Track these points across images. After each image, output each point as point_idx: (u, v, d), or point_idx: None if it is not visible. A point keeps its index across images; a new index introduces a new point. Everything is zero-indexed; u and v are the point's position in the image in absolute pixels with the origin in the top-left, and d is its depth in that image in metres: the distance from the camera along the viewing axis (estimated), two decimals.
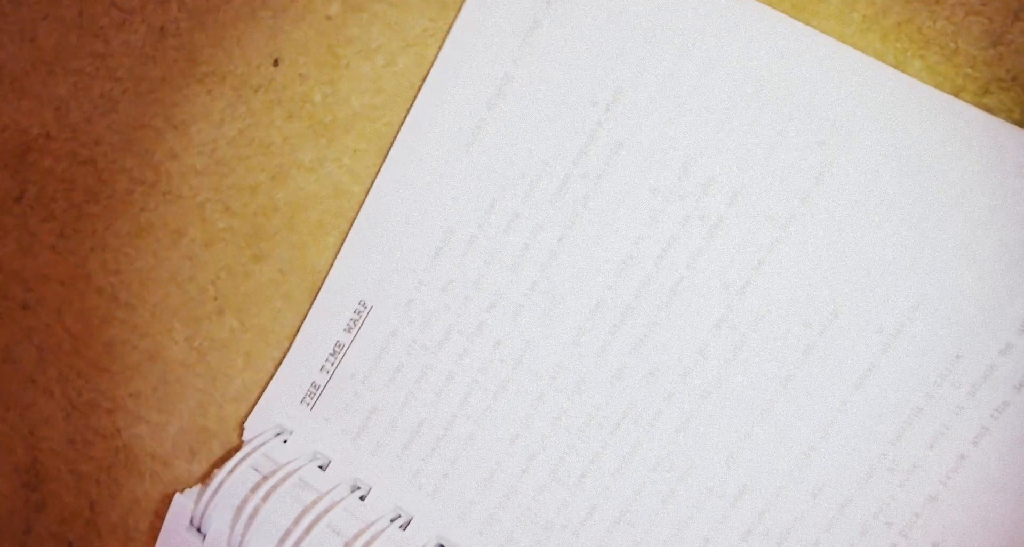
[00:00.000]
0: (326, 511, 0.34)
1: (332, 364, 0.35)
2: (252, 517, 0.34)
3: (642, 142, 0.31)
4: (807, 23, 0.30)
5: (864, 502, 0.29)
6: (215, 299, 0.38)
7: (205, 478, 0.38)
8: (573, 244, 0.32)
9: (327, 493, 0.35)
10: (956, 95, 0.28)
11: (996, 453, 0.28)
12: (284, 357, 0.37)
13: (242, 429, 0.37)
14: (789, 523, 0.30)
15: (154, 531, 0.40)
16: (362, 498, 0.35)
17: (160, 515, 0.40)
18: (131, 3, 0.39)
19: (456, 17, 0.33)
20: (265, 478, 0.35)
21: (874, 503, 0.29)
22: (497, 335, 0.33)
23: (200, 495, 0.35)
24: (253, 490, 0.35)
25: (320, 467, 0.36)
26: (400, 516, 0.35)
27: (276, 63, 0.36)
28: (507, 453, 0.33)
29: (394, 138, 0.35)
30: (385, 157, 0.35)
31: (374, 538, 0.33)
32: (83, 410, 0.41)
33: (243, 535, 0.34)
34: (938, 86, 0.29)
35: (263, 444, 0.35)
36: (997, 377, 0.28)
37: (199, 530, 0.35)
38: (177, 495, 0.36)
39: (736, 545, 0.31)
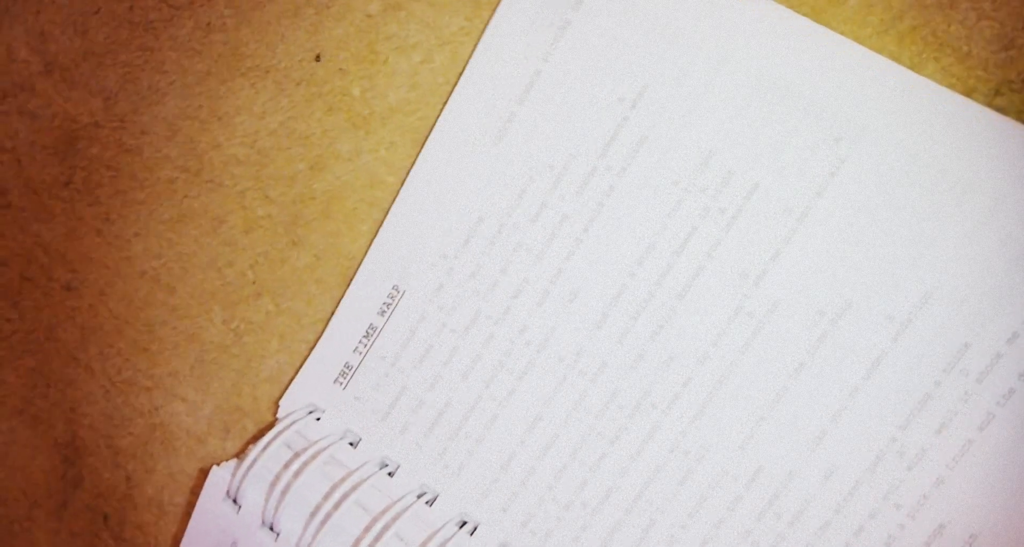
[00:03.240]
0: (355, 487, 0.36)
1: (365, 346, 0.37)
2: (285, 492, 0.36)
3: (665, 137, 0.32)
4: (826, 25, 0.31)
5: (873, 485, 0.31)
6: (253, 283, 0.40)
7: (240, 453, 0.40)
8: (597, 234, 0.33)
9: (356, 470, 0.36)
10: (968, 96, 0.30)
11: (1002, 439, 0.29)
12: (318, 339, 0.38)
13: (277, 407, 0.39)
14: (800, 505, 0.31)
15: (188, 505, 0.42)
16: (390, 475, 0.36)
17: (195, 490, 0.41)
18: (180, 0, 0.41)
19: (491, 16, 0.35)
20: (297, 455, 0.36)
21: (883, 486, 0.30)
22: (522, 320, 0.35)
23: (236, 469, 0.37)
24: (286, 466, 0.36)
25: (351, 444, 0.37)
26: (426, 493, 0.36)
27: (318, 58, 0.38)
28: (529, 434, 0.35)
29: (429, 131, 0.36)
30: (420, 149, 0.36)
31: (401, 513, 0.35)
32: (122, 388, 0.43)
33: (276, 508, 0.36)
34: (951, 87, 0.30)
35: (297, 421, 0.37)
36: (1003, 365, 0.29)
37: (235, 501, 0.37)
38: (215, 467, 0.37)
39: (749, 525, 0.32)
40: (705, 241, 0.32)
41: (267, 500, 0.36)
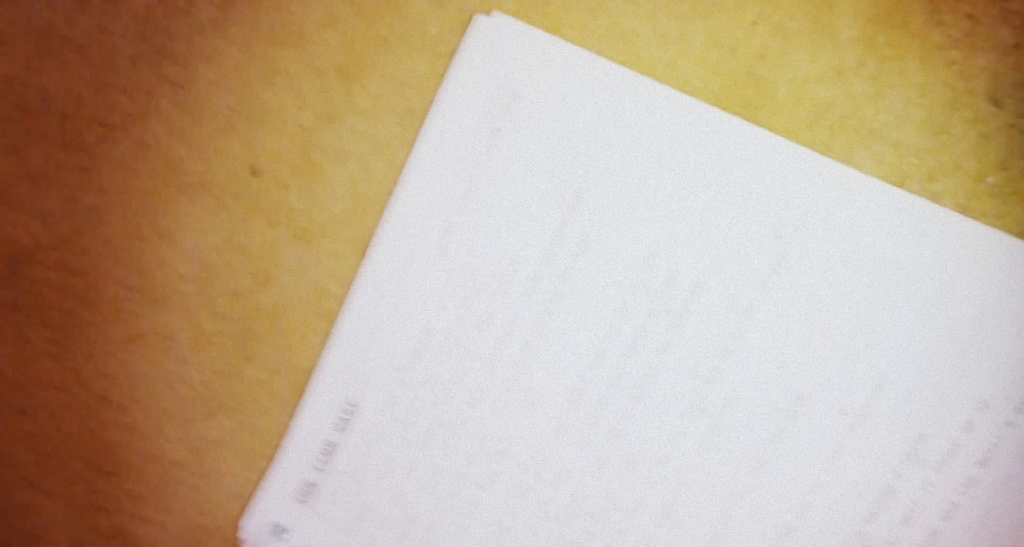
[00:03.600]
0: None
1: (323, 462, 0.36)
2: None
3: (605, 239, 0.32)
4: (755, 120, 0.31)
5: None
6: (207, 400, 0.39)
7: None
8: (547, 339, 0.33)
9: None
10: (902, 183, 0.30)
11: (967, 527, 0.29)
12: (276, 456, 0.38)
13: (237, 528, 0.38)
14: None
15: None
16: None
17: None
18: (113, 118, 0.40)
19: (421, 125, 0.34)
20: None
21: None
22: (481, 429, 0.34)
23: None
24: None
25: None
26: None
27: (254, 172, 0.38)
28: (495, 545, 0.34)
29: (370, 241, 0.36)
30: (363, 259, 0.36)
31: None
32: (84, 512, 0.42)
33: None
34: (884, 175, 0.30)
35: (259, 544, 0.36)
36: (962, 454, 0.29)
37: None
38: None
39: None
40: (654, 341, 0.32)
41: None
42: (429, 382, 0.35)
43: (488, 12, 0.33)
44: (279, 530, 0.37)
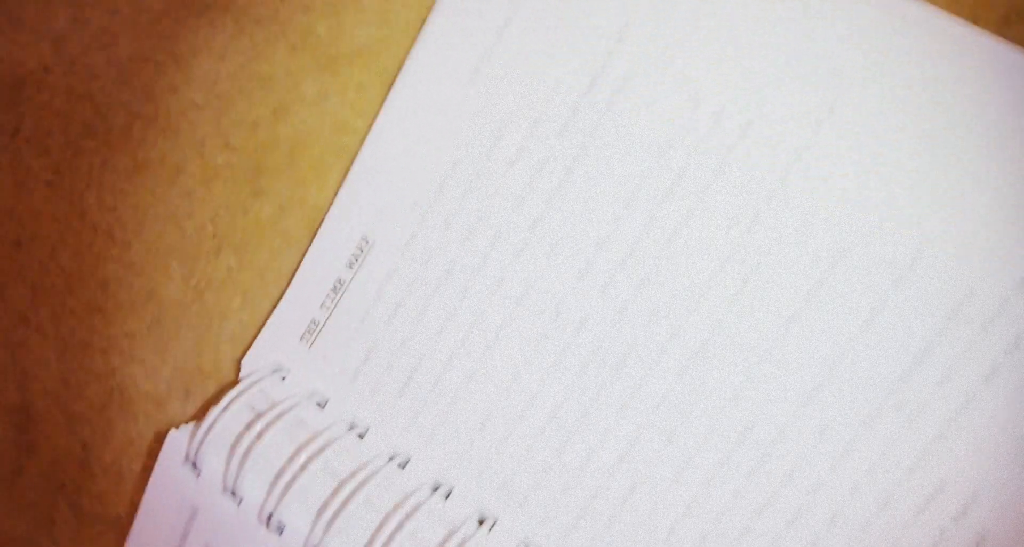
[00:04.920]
0: (321, 449, 0.33)
1: (332, 301, 0.35)
2: (246, 455, 0.34)
3: (653, 73, 0.30)
4: None
5: (870, 441, 0.29)
6: (213, 237, 0.38)
7: (200, 416, 0.37)
8: (579, 178, 0.31)
9: (323, 431, 0.34)
10: (975, 25, 0.28)
11: (1006, 392, 0.27)
12: (282, 295, 0.36)
13: (239, 367, 0.37)
14: (793, 464, 0.30)
15: (147, 472, 0.39)
16: (360, 437, 0.34)
17: (153, 456, 0.39)
18: None
19: None
20: (260, 415, 0.34)
21: (880, 442, 0.29)
22: (499, 272, 0.32)
23: (195, 431, 0.35)
24: (248, 427, 0.34)
25: (318, 405, 0.35)
26: (398, 456, 0.34)
27: None
28: (507, 393, 0.33)
29: (399, 71, 0.34)
30: (389, 90, 0.34)
31: (371, 476, 0.33)
32: (76, 350, 0.41)
33: (238, 472, 0.34)
34: (956, 15, 0.28)
35: (259, 380, 0.35)
36: (1010, 312, 0.27)
37: (194, 466, 0.35)
38: (172, 431, 0.35)
39: (739, 486, 0.30)
40: (695, 183, 0.30)
41: (228, 464, 0.34)
42: (451, 220, 0.33)
43: None
44: (282, 370, 0.36)
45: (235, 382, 0.37)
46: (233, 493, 0.34)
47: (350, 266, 0.34)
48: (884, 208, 0.28)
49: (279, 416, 0.34)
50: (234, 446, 0.34)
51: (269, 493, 0.33)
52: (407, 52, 0.34)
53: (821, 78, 0.28)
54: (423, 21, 0.33)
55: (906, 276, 0.28)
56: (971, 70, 0.27)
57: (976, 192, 0.27)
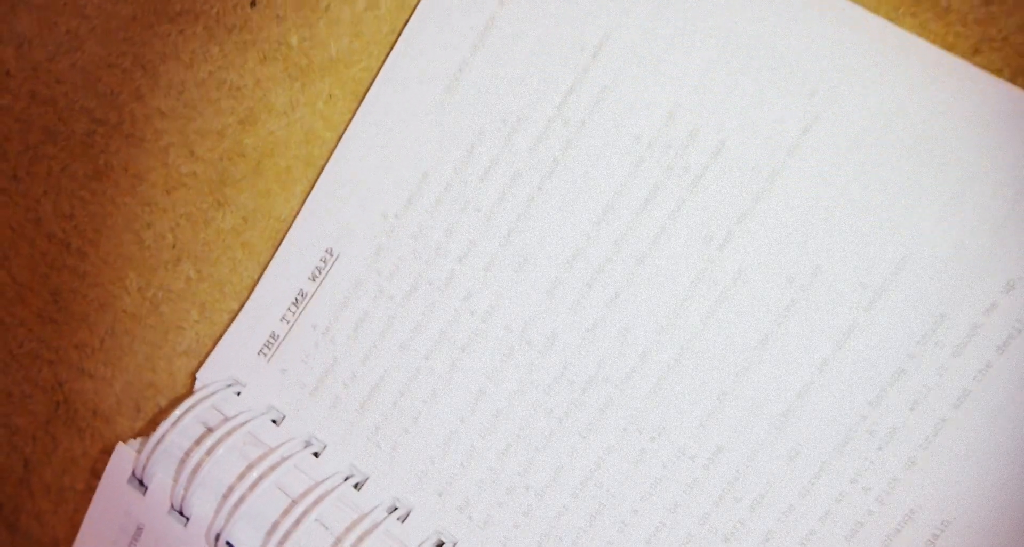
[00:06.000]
0: (273, 467, 0.32)
1: (294, 314, 0.34)
2: (195, 471, 0.32)
3: (627, 90, 0.30)
4: None
5: (841, 466, 0.28)
6: (173, 247, 0.37)
7: (149, 429, 0.36)
8: (551, 193, 0.31)
9: (277, 448, 0.33)
10: (949, 51, 0.28)
11: (977, 417, 0.27)
12: (242, 308, 0.35)
13: (193, 380, 0.35)
14: (763, 488, 0.29)
15: (90, 491, 0.38)
16: (316, 455, 0.33)
17: (98, 475, 0.37)
18: None
19: None
20: (211, 430, 0.33)
21: (851, 468, 0.28)
22: (467, 286, 0.32)
23: (143, 446, 0.33)
24: (198, 443, 0.33)
25: (273, 421, 0.34)
26: (354, 475, 0.33)
27: (253, 3, 0.35)
28: (471, 411, 0.32)
29: (371, 84, 0.34)
30: (360, 102, 0.34)
31: (324, 496, 0.32)
32: (23, 361, 0.39)
33: (186, 490, 0.32)
34: (932, 42, 0.28)
35: (212, 394, 0.33)
36: (981, 338, 0.27)
37: (141, 483, 0.33)
38: (120, 444, 0.34)
39: (708, 510, 0.30)
40: (668, 202, 0.30)
41: (176, 481, 0.32)
42: (419, 233, 0.32)
43: None
44: (237, 384, 0.34)
45: (187, 395, 0.35)
46: (180, 512, 0.32)
47: (313, 278, 0.33)
48: (857, 231, 0.28)
49: (231, 431, 0.33)
50: (183, 462, 0.33)
51: (218, 512, 0.32)
52: (380, 64, 0.33)
53: (796, 99, 0.28)
54: (397, 34, 0.33)
55: (878, 300, 0.28)
56: (947, 94, 0.27)
57: (948, 217, 0.27)
